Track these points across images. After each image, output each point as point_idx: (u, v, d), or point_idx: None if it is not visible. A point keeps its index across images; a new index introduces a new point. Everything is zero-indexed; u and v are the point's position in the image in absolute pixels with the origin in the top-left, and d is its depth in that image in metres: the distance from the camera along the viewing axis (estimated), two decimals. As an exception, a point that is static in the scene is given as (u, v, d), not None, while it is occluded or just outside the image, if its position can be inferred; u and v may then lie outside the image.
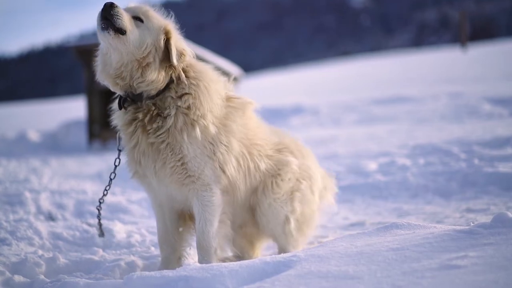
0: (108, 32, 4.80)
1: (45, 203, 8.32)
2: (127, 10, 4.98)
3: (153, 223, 7.32)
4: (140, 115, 5.02)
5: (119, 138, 5.32)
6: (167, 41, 4.98)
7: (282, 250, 5.70)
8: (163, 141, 4.99)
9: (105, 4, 4.82)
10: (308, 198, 5.75)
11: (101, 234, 6.17)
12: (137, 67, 4.92)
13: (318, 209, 6.01)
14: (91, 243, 6.46)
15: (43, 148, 17.47)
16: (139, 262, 5.60)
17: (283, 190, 5.56)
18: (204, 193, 5.10)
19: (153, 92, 4.99)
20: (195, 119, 4.99)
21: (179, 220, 5.51)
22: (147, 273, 4.43)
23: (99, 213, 5.98)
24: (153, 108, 5.01)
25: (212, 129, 5.06)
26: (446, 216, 6.84)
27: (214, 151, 5.08)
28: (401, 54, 53.40)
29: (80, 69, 19.26)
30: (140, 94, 5.00)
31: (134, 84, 4.96)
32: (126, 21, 4.83)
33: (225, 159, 5.14)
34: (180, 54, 5.02)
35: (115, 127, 5.29)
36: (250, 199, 5.59)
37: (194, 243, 5.59)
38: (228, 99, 5.28)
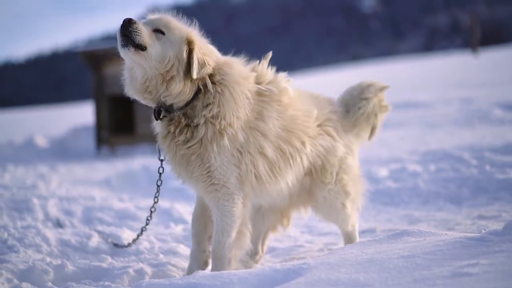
0: (128, 49, 4.81)
1: (53, 209, 8.31)
2: (148, 23, 4.98)
3: (162, 230, 7.32)
4: (172, 128, 5.07)
5: (159, 149, 5.36)
6: (190, 52, 4.95)
7: (343, 232, 6.03)
8: (193, 152, 5.02)
9: (123, 21, 4.83)
10: (355, 171, 5.84)
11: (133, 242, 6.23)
12: (161, 81, 4.92)
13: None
14: (100, 250, 6.42)
15: (50, 154, 17.47)
16: (148, 270, 5.57)
17: (333, 178, 5.64)
18: (225, 203, 5.10)
19: (181, 104, 5.00)
20: (222, 128, 4.99)
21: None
22: (156, 280, 4.45)
23: (147, 223, 6.17)
24: (183, 119, 5.04)
25: (241, 136, 5.06)
26: (457, 223, 6.80)
27: (241, 160, 5.09)
28: (411, 59, 53.26)
29: (88, 74, 19.28)
30: (171, 106, 5.02)
31: (161, 98, 4.98)
32: (145, 36, 4.83)
33: (249, 168, 5.14)
34: (202, 65, 4.96)
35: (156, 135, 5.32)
36: (303, 181, 5.64)
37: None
38: (260, 93, 5.24)
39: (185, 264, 5.77)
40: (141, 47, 4.81)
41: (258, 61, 5.44)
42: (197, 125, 5.00)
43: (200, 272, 4.52)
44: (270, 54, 5.57)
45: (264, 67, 5.41)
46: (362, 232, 6.97)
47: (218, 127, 4.98)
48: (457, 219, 7.03)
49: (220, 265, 5.13)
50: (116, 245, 6.48)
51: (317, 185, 5.65)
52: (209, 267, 5.44)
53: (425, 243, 4.25)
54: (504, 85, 20.80)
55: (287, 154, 5.32)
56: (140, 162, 13.90)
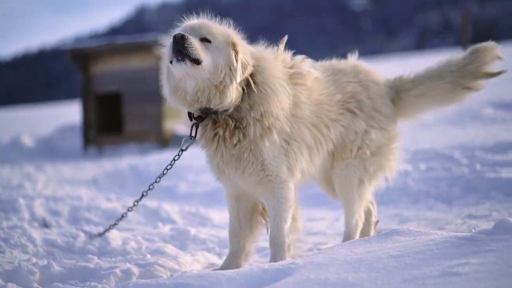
0: (185, 63, 4.80)
1: (39, 209, 8.25)
2: (193, 32, 4.96)
3: (149, 230, 7.25)
4: (221, 131, 5.09)
5: (185, 140, 5.37)
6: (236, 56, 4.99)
7: (346, 223, 5.92)
8: (245, 151, 5.09)
9: (175, 37, 4.80)
10: (379, 145, 5.79)
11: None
12: (214, 91, 4.93)
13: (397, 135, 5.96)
14: (86, 251, 6.37)
15: (37, 154, 17.44)
16: (135, 270, 5.51)
17: (353, 153, 5.68)
18: (281, 190, 5.21)
19: (231, 110, 5.03)
20: (270, 123, 5.06)
21: (252, 215, 5.61)
22: (143, 281, 4.43)
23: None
24: (231, 121, 5.07)
25: (286, 127, 5.16)
26: (447, 222, 6.78)
27: (288, 149, 5.20)
28: (403, 57, 53.21)
29: (76, 73, 19.26)
30: (215, 110, 5.04)
31: (212, 106, 4.99)
32: (200, 50, 4.84)
33: (297, 156, 5.25)
34: (245, 67, 5.02)
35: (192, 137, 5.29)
36: (326, 161, 5.70)
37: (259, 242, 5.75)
38: (291, 76, 5.31)
39: (173, 264, 5.72)
40: (197, 61, 4.81)
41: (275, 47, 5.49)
42: (245, 126, 5.05)
43: (188, 272, 4.52)
44: (285, 38, 5.60)
45: (281, 52, 5.47)
46: (352, 232, 6.93)
47: (266, 123, 5.06)
48: (447, 218, 7.01)
49: (281, 252, 5.25)
50: (85, 232, 6.51)
51: (337, 160, 5.70)
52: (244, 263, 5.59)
53: (415, 243, 4.22)
54: (496, 83, 20.75)
55: (317, 141, 5.42)
56: (128, 161, 13.87)
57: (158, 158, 14.00)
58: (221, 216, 8.17)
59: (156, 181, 5.99)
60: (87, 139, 17.87)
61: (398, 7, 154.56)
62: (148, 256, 6.06)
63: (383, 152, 5.83)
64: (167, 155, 15.12)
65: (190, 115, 5.16)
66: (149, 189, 6.10)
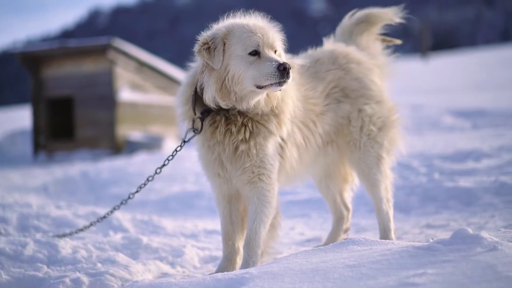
0: (282, 87, 4.92)
1: (-13, 217, 8.08)
2: (267, 46, 5.04)
3: (100, 238, 7.13)
4: (233, 127, 5.12)
5: (187, 132, 5.37)
6: None
7: (376, 209, 6.02)
8: (255, 146, 5.13)
9: (286, 67, 4.83)
10: (380, 117, 5.91)
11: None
12: (269, 96, 5.13)
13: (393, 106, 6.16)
14: (35, 259, 6.25)
15: (-16, 160, 17.20)
16: (85, 279, 5.42)
17: (355, 135, 5.79)
18: (266, 193, 5.25)
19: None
20: (281, 120, 5.20)
21: (244, 217, 5.60)
22: (92, 291, 4.32)
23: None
24: (239, 117, 5.11)
25: (289, 125, 5.32)
26: (405, 232, 6.80)
27: (284, 148, 5.33)
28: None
29: (27, 77, 19.05)
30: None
31: (257, 108, 5.11)
32: None
33: (289, 156, 5.36)
34: None
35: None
36: (325, 151, 5.79)
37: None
38: None
39: (124, 273, 5.64)
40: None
41: None
42: (263, 123, 5.13)
43: (139, 282, 4.47)
44: None
45: None
46: (307, 241, 6.93)
47: (281, 117, 5.18)
48: (405, 228, 7.03)
49: (255, 256, 5.26)
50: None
51: (345, 147, 5.82)
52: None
53: (371, 252, 4.19)
54: (454, 91, 21.04)
55: (305, 138, 5.49)
56: (79, 168, 13.74)
57: (111, 165, 13.87)
58: (174, 224, 8.08)
59: (156, 173, 6.08)
60: (38, 144, 17.66)
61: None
62: (99, 265, 5.98)
63: (388, 125, 5.97)
64: (120, 161, 15.00)
65: (194, 107, 5.18)
66: (147, 181, 6.23)
